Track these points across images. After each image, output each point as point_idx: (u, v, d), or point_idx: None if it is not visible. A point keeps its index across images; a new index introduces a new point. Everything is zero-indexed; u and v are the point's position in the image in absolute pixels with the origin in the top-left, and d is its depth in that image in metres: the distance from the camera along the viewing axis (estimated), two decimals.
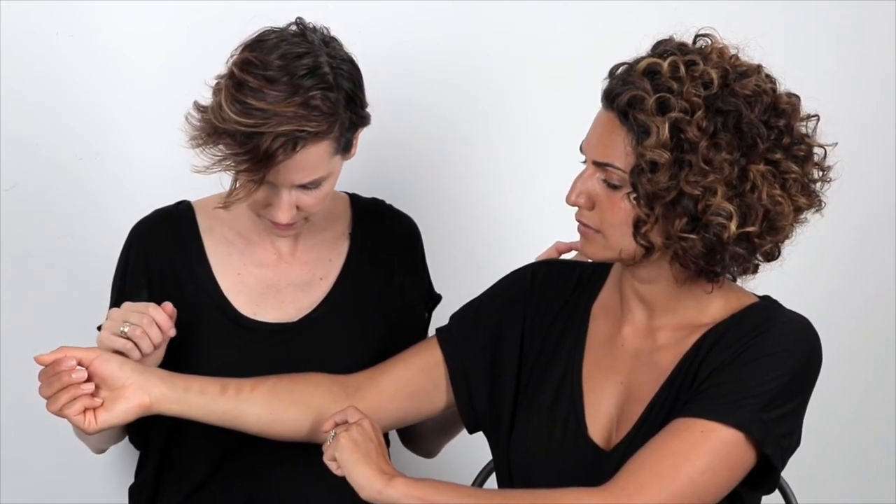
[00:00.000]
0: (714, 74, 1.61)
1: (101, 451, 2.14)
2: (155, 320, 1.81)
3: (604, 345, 1.78)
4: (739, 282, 1.73)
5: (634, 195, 1.63)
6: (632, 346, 1.76)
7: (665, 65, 1.62)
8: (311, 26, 1.88)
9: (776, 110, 1.63)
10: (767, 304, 1.73)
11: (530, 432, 1.78)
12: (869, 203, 2.60)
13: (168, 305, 1.84)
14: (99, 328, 2.00)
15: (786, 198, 1.62)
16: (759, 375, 1.63)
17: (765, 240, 1.64)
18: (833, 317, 2.55)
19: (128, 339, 1.80)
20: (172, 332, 1.83)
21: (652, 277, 1.72)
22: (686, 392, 1.68)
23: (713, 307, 1.72)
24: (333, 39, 1.89)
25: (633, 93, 1.62)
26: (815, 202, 1.68)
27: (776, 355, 1.64)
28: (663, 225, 1.63)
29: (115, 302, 1.99)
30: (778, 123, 1.63)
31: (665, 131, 1.59)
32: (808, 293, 2.42)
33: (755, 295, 1.75)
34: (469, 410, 1.86)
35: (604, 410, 1.75)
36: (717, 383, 1.64)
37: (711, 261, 1.64)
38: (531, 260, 1.97)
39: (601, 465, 1.71)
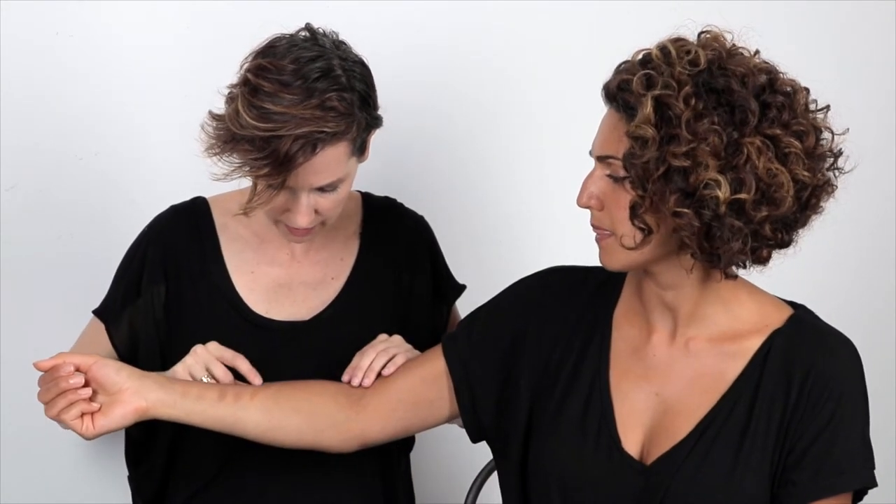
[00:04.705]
0: (703, 55, 1.60)
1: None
2: (241, 370, 1.84)
3: (631, 354, 1.75)
4: (756, 277, 1.69)
5: (630, 179, 1.61)
6: (664, 356, 1.73)
7: (655, 49, 1.62)
8: (320, 31, 1.88)
9: (773, 89, 1.61)
10: (808, 317, 1.73)
11: (557, 445, 1.74)
12: (870, 204, 2.59)
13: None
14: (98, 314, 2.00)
15: (784, 171, 1.58)
16: (854, 427, 1.68)
17: (760, 210, 1.58)
18: (834, 318, 2.55)
19: None
20: (258, 381, 1.85)
21: (673, 282, 1.69)
22: (751, 410, 1.67)
23: (746, 312, 1.70)
24: (343, 43, 1.89)
25: (623, 77, 1.62)
26: (818, 178, 1.63)
27: (853, 397, 1.68)
28: (658, 205, 1.60)
29: (123, 295, 1.99)
30: (775, 100, 1.60)
31: (649, 106, 1.57)
32: (809, 294, 2.43)
33: (785, 301, 1.74)
34: (473, 421, 1.84)
35: (637, 422, 1.71)
36: (824, 450, 1.66)
37: (711, 241, 1.60)
38: (542, 259, 1.96)
39: (640, 479, 1.68)
